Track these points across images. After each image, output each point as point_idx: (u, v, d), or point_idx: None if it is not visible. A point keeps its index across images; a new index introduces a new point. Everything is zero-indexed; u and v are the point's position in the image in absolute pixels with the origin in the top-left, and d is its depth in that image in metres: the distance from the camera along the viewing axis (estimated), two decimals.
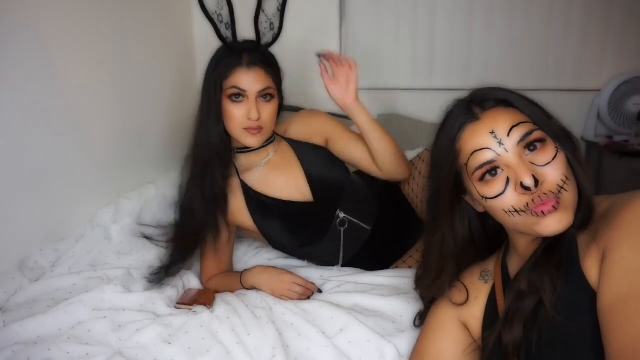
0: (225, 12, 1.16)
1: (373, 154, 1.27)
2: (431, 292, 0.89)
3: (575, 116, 2.16)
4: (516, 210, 0.71)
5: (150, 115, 1.70)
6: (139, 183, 1.59)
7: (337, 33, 2.14)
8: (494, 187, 0.72)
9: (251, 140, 1.19)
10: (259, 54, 1.18)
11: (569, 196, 0.69)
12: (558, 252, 0.70)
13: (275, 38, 1.24)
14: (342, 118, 2.06)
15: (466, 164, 0.75)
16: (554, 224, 0.68)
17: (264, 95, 1.17)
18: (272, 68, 1.20)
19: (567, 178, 0.70)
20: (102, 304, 1.05)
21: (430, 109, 2.17)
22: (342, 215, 1.28)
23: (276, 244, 1.31)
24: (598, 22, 2.06)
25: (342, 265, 1.32)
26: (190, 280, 1.26)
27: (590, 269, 0.65)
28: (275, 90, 1.20)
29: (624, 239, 0.61)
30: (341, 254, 1.30)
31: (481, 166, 0.72)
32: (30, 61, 1.15)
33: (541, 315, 0.68)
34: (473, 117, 0.74)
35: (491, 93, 0.76)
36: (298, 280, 1.16)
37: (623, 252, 0.60)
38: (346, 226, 1.28)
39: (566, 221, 0.68)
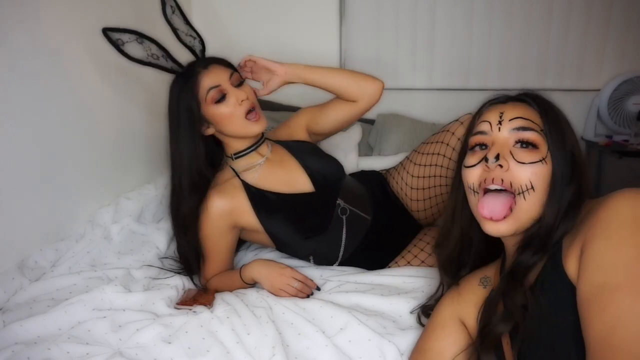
0: (154, 49, 1.25)
1: (339, 93, 1.35)
2: (441, 251, 0.93)
3: (575, 116, 2.16)
4: (473, 189, 0.78)
5: (150, 115, 1.70)
6: (139, 183, 1.59)
7: (337, 34, 2.15)
8: (473, 158, 0.80)
9: (256, 127, 1.25)
10: (202, 60, 1.28)
11: (526, 208, 0.73)
12: (526, 270, 0.74)
13: (203, 43, 1.35)
14: None
15: (471, 132, 0.83)
16: (494, 228, 0.75)
17: (235, 83, 1.25)
18: (223, 62, 1.28)
19: (533, 189, 0.73)
20: (102, 304, 1.05)
21: (430, 109, 2.17)
22: (342, 203, 1.32)
23: (281, 243, 1.31)
24: (598, 22, 2.06)
25: (343, 261, 1.32)
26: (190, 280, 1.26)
27: (571, 266, 0.67)
28: (239, 75, 1.27)
29: (598, 234, 0.64)
30: (342, 245, 1.31)
31: (475, 133, 0.81)
32: (34, 64, 1.15)
33: (525, 324, 0.71)
34: (502, 102, 0.82)
35: (535, 96, 0.82)
36: (298, 275, 1.16)
37: (597, 247, 0.63)
38: (347, 214, 1.32)
39: (505, 228, 0.74)
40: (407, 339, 0.95)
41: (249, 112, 1.24)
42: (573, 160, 0.76)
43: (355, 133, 1.98)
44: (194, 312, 1.07)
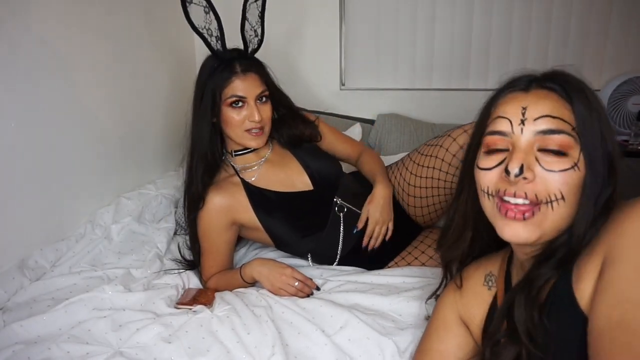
0: (214, 25, 1.24)
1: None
2: (450, 254, 0.86)
3: None
4: (488, 193, 0.67)
5: (150, 115, 1.70)
6: (139, 183, 1.59)
7: (337, 33, 2.15)
8: (489, 160, 0.68)
9: (254, 142, 1.27)
10: (249, 60, 1.27)
11: (552, 218, 0.63)
12: (540, 287, 0.65)
13: (260, 43, 1.34)
14: (334, 116, 2.06)
15: (488, 126, 0.71)
16: (513, 232, 0.64)
17: (261, 97, 1.25)
18: (263, 71, 1.29)
19: (563, 198, 0.62)
20: (102, 304, 1.05)
21: (430, 109, 2.17)
22: (339, 201, 1.33)
23: (280, 241, 1.33)
24: (598, 22, 2.06)
25: (342, 259, 1.33)
26: (190, 279, 1.27)
27: (583, 291, 0.59)
28: (269, 92, 1.28)
29: (620, 255, 0.55)
30: (340, 243, 1.31)
31: (493, 133, 0.68)
32: (34, 63, 1.15)
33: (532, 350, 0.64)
34: (524, 88, 0.68)
35: (563, 79, 0.68)
36: (297, 275, 1.17)
37: (618, 272, 0.55)
38: (345, 212, 1.33)
39: (526, 236, 0.63)
40: (407, 337, 0.95)
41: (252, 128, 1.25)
42: (610, 162, 0.66)
43: (355, 133, 1.99)
44: (194, 311, 1.07)
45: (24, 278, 1.09)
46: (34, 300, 1.05)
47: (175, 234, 1.49)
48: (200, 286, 1.28)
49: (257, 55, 1.34)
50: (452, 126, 2.01)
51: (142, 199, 1.50)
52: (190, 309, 1.09)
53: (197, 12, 1.22)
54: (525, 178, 0.62)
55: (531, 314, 0.63)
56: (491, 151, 0.68)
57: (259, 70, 1.27)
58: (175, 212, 1.55)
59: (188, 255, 1.36)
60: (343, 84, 2.20)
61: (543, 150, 0.64)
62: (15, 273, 1.08)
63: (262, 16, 1.34)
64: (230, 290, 1.21)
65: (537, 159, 0.63)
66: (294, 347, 0.95)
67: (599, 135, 0.65)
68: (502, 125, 0.67)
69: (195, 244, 1.31)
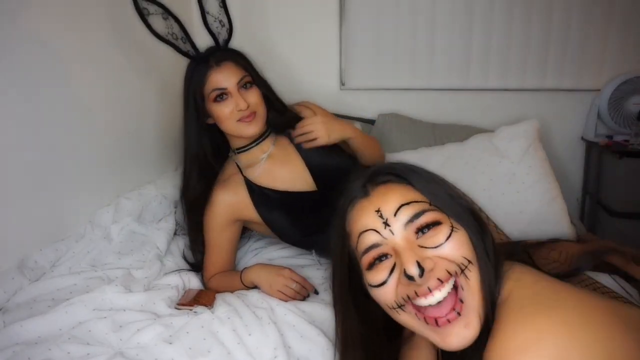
0: (175, 29, 1.25)
1: (357, 155, 1.40)
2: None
3: (575, 116, 2.16)
4: (399, 306, 0.61)
5: (150, 114, 1.70)
6: (139, 183, 1.59)
7: (337, 33, 2.14)
8: (378, 274, 0.63)
9: (250, 130, 1.25)
10: (222, 52, 1.26)
11: (473, 289, 0.59)
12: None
13: (230, 33, 1.32)
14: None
15: (357, 248, 0.66)
16: (460, 338, 0.58)
17: (243, 85, 1.24)
18: (240, 59, 1.27)
19: (469, 262, 0.60)
20: (103, 304, 1.05)
21: (430, 109, 2.17)
22: None
23: (283, 235, 1.34)
24: (598, 22, 2.06)
25: None
26: (190, 280, 1.26)
27: None
28: (251, 77, 1.26)
29: None
30: None
31: (367, 250, 0.63)
32: (33, 62, 1.14)
33: None
34: (363, 193, 0.67)
35: (389, 168, 0.69)
36: (295, 276, 1.17)
37: None
38: None
39: (473, 329, 0.58)
40: None
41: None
42: (472, 213, 0.66)
43: None
44: (195, 312, 1.07)
45: (24, 278, 1.08)
46: (34, 301, 1.05)
47: (175, 234, 1.48)
48: (201, 287, 1.28)
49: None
50: (452, 126, 2.02)
51: (142, 199, 1.49)
52: (191, 309, 1.09)
53: (158, 22, 1.23)
54: (430, 271, 0.59)
55: None
56: (373, 264, 0.64)
57: (234, 58, 1.26)
58: (175, 212, 1.55)
59: (190, 258, 1.36)
60: (343, 84, 2.20)
61: (419, 231, 0.62)
62: (14, 273, 1.07)
63: (223, 4, 1.31)
64: (231, 292, 1.21)
65: (421, 246, 0.61)
66: (296, 350, 0.95)
67: (448, 197, 0.66)
68: (370, 239, 0.63)
69: (197, 246, 1.31)
